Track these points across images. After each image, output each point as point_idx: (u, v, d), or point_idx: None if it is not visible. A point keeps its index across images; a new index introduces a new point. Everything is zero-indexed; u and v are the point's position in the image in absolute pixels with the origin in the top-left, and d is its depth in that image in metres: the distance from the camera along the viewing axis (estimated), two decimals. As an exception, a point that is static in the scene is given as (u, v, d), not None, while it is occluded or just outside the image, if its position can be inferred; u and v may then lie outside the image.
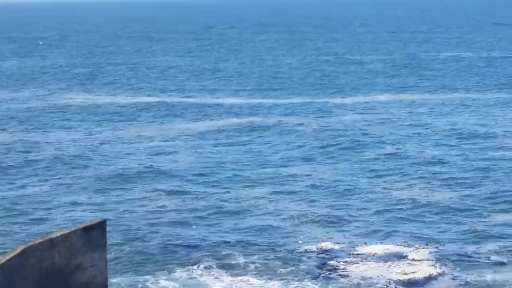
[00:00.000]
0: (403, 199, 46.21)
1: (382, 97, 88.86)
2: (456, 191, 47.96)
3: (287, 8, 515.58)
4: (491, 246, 38.29)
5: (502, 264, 35.95)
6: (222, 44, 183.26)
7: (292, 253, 37.44)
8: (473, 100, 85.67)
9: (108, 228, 29.26)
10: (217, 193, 48.40)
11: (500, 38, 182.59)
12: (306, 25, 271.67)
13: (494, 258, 36.74)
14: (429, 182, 50.21)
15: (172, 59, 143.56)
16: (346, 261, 35.99)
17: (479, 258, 36.72)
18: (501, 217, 42.89)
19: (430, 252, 37.08)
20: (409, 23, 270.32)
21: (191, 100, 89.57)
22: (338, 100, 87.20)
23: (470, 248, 37.97)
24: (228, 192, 48.60)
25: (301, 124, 71.69)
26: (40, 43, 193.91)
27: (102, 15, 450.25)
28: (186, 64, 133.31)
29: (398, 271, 34.68)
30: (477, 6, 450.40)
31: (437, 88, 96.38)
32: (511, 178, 50.59)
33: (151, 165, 55.88)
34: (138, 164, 56.24)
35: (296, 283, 33.73)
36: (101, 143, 64.31)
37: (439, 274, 34.46)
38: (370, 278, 34.04)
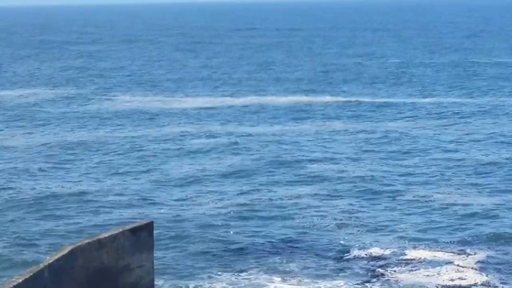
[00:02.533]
0: (449, 204, 45.71)
1: (425, 100, 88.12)
2: (504, 198, 47.24)
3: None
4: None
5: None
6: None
7: (341, 258, 37.10)
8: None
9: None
10: (261, 196, 48.18)
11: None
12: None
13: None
14: (476, 188, 49.60)
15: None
16: (395, 267, 35.57)
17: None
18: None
19: (478, 259, 36.52)
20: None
21: (231, 100, 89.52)
22: (378, 102, 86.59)
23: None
24: (272, 195, 48.36)
25: (343, 126, 71.40)
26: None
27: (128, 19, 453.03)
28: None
29: (446, 278, 34.22)
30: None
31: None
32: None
33: (195, 167, 55.83)
34: (181, 167, 56.21)
35: (345, 290, 33.50)
36: (145, 145, 64.42)
37: (487, 283, 33.91)
38: (419, 285, 33.63)
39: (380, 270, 35.40)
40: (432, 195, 47.68)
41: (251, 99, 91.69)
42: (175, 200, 47.32)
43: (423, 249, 37.88)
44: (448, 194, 48.02)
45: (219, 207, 45.61)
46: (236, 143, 64.55)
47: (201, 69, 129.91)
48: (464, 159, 57.47)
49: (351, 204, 46.02)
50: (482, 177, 52.10)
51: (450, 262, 36.08)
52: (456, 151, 60.43)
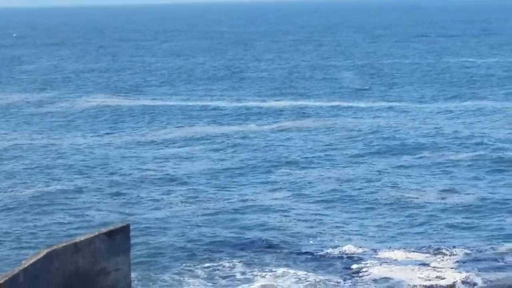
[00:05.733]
0: (421, 203, 45.87)
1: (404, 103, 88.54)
2: (474, 195, 47.41)
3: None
4: (512, 248, 37.84)
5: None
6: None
7: (314, 256, 37.27)
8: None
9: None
10: (236, 195, 48.20)
11: None
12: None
13: (517, 262, 36.24)
14: (447, 185, 49.75)
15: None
16: (368, 266, 35.72)
17: (500, 262, 36.23)
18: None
19: (454, 258, 36.57)
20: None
21: (206, 103, 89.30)
22: (351, 103, 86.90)
23: (492, 252, 37.49)
24: (246, 194, 48.40)
25: (317, 126, 71.50)
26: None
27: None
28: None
29: (421, 277, 34.30)
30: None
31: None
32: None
33: (168, 168, 55.62)
34: (155, 168, 55.97)
35: (320, 287, 33.58)
36: (119, 147, 64.04)
37: (463, 280, 34.01)
38: (393, 283, 33.75)
39: (354, 267, 35.54)
40: (403, 195, 47.70)
41: (214, 101, 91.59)
42: (148, 202, 47.15)
43: (397, 249, 37.92)
44: (419, 194, 48.01)
45: (192, 207, 45.62)
46: (212, 143, 64.51)
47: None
48: (430, 158, 57.36)
49: (323, 204, 46.08)
50: (456, 177, 52.15)
51: (424, 261, 36.17)
52: (423, 151, 60.28)
